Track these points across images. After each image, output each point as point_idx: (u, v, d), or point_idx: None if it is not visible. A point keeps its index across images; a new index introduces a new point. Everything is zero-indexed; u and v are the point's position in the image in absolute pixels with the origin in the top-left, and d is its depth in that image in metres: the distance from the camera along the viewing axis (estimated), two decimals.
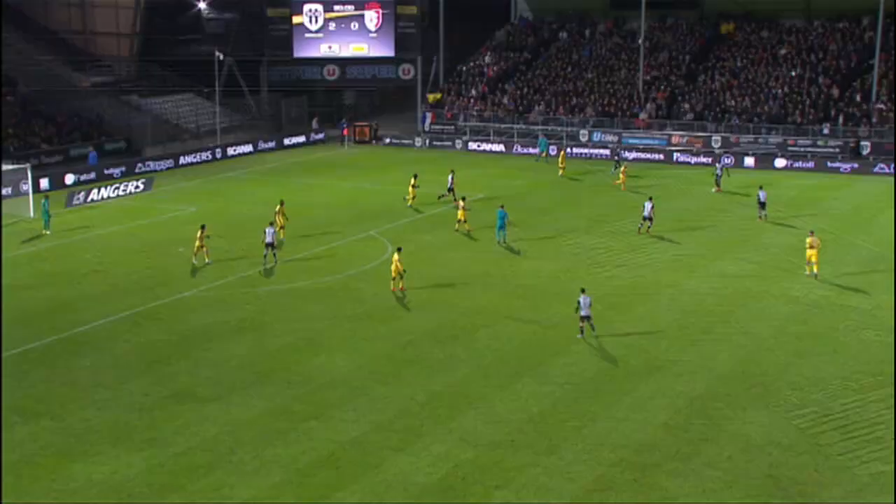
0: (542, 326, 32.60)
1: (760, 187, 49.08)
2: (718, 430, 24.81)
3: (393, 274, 35.94)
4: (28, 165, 52.14)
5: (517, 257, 41.18)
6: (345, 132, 73.80)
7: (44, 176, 55.58)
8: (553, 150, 66.07)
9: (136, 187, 55.58)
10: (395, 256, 35.95)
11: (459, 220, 45.17)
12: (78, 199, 51.96)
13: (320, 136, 75.86)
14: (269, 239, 39.39)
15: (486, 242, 43.37)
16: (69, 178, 56.94)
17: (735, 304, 34.80)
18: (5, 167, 51.22)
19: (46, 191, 54.12)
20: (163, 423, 25.38)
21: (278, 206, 44.26)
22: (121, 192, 54.61)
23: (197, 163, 65.54)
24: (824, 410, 25.85)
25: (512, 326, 32.64)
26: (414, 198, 50.55)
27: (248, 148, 69.77)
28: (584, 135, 69.17)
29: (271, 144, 71.70)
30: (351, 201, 53.28)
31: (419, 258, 40.95)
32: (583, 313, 30.92)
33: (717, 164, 56.05)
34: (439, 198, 51.17)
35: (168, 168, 63.22)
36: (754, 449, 23.81)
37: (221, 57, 70.10)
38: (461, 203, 45.54)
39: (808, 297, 35.45)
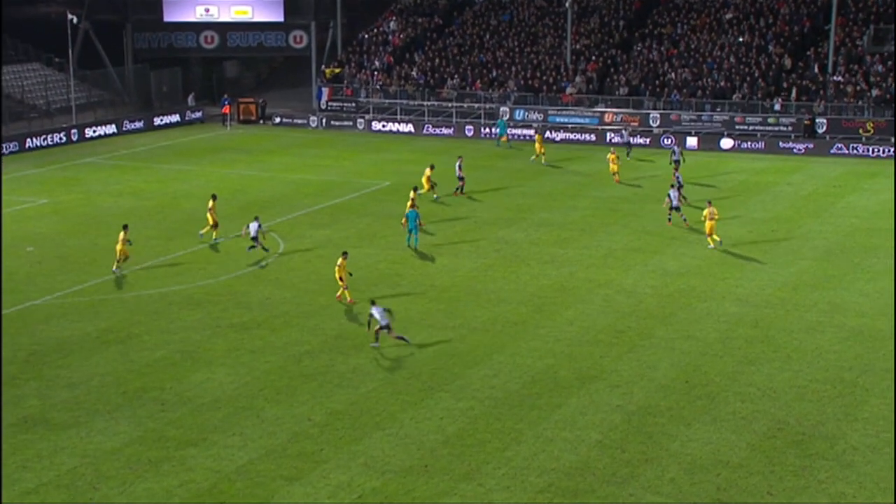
0: (459, 333, 32.77)
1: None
2: (660, 449, 25.28)
3: (341, 283, 35.39)
4: None
5: (429, 253, 41.31)
6: (226, 110, 73.05)
7: None
8: (523, 134, 66.32)
9: None
10: (340, 261, 35.48)
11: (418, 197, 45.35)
12: None
13: (198, 114, 74.93)
14: (252, 233, 40.05)
15: (395, 238, 43.40)
16: None
17: (677, 305, 35.51)
18: None
19: None
20: (8, 455, 24.84)
21: (211, 203, 43.13)
22: None
23: (48, 146, 64.22)
24: (778, 424, 26.53)
25: (424, 333, 32.75)
26: (432, 188, 49.61)
27: (111, 129, 68.60)
28: (504, 112, 69.73)
29: (139, 125, 70.63)
30: (235, 191, 52.77)
31: (317, 255, 40.82)
32: (382, 324, 31.17)
33: (674, 148, 56.02)
34: (455, 193, 50.61)
35: (11, 152, 61.86)
36: (700, 470, 24.33)
37: (75, 20, 68.62)
38: (412, 194, 45.32)
39: (759, 295, 36.36)
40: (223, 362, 30.57)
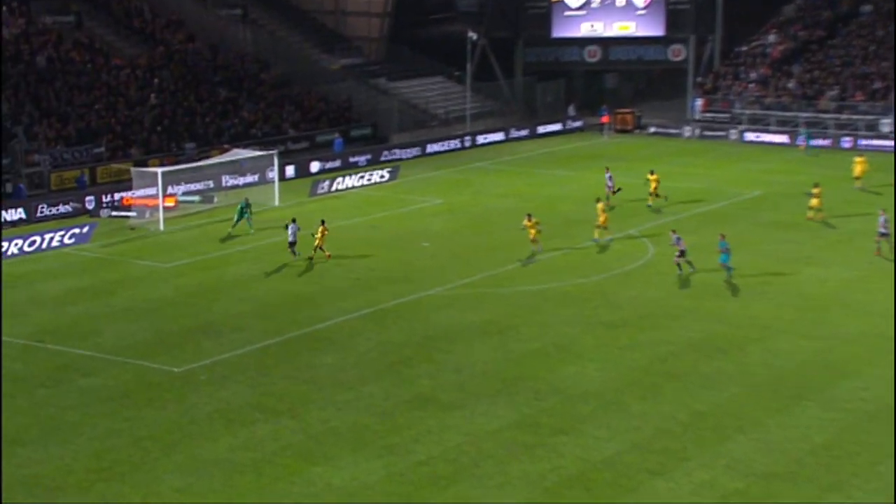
0: (828, 344, 31.09)
1: None
2: None
3: (318, 243, 40.21)
4: (275, 152, 55.26)
5: (798, 262, 39.44)
6: (604, 120, 73.41)
7: (290, 163, 58.74)
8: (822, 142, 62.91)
9: (381, 176, 57.71)
10: (320, 230, 40.34)
11: (813, 208, 44.67)
12: (322, 187, 54.61)
13: (577, 124, 75.84)
14: (681, 246, 38.76)
15: (766, 245, 41.85)
16: (314, 166, 59.96)
17: None
18: (254, 153, 54.66)
19: (291, 178, 57.26)
20: (403, 428, 26.23)
21: (527, 221, 43.24)
22: (365, 182, 56.90)
23: (444, 151, 67.13)
24: None
25: (790, 341, 31.38)
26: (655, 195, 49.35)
27: (499, 136, 70.81)
28: (886, 124, 65.20)
29: (524, 132, 72.46)
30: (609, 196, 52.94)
31: (683, 261, 40.04)
32: (290, 240, 39.67)
33: None
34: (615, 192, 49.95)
35: (414, 156, 65.12)
36: None
37: (474, 37, 71.47)
38: (814, 191, 45.33)
39: None
40: (593, 357, 30.76)
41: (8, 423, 26.18)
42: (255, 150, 56.07)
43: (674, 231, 39.42)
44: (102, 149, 55.51)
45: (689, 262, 38.63)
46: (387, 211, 50.72)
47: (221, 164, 53.53)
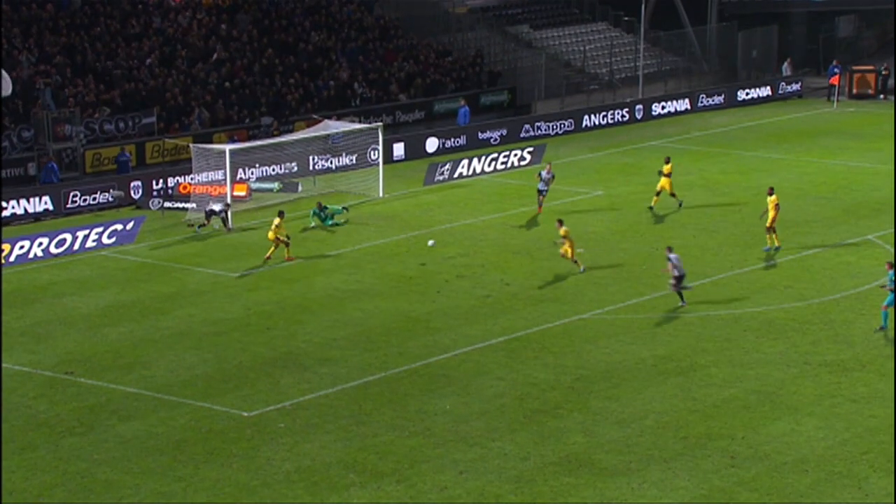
0: None
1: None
2: None
3: (276, 244, 42.35)
4: (380, 125, 55.80)
5: None
6: (834, 81, 72.04)
7: (399, 140, 59.47)
8: None
9: (521, 159, 57.72)
10: (277, 221, 42.47)
11: None
12: (441, 173, 54.97)
13: (794, 87, 74.69)
14: None
15: None
16: (431, 144, 60.39)
17: None
18: (352, 126, 55.26)
19: (401, 160, 57.88)
20: (547, 500, 26.16)
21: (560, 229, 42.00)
22: (499, 166, 56.96)
23: (607, 125, 66.83)
24: None
25: None
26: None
27: (683, 104, 70.15)
28: None
29: (718, 100, 71.66)
30: (838, 188, 52.13)
31: None
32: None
33: None
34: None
35: (566, 132, 64.99)
36: None
37: None
38: None
39: None
40: (812, 411, 30.31)
41: (26, 481, 27.05)
42: (352, 121, 56.70)
43: (670, 248, 38.27)
44: (153, 119, 56.90)
45: (682, 291, 37.82)
46: (528, 205, 50.69)
47: (308, 140, 54.28)
